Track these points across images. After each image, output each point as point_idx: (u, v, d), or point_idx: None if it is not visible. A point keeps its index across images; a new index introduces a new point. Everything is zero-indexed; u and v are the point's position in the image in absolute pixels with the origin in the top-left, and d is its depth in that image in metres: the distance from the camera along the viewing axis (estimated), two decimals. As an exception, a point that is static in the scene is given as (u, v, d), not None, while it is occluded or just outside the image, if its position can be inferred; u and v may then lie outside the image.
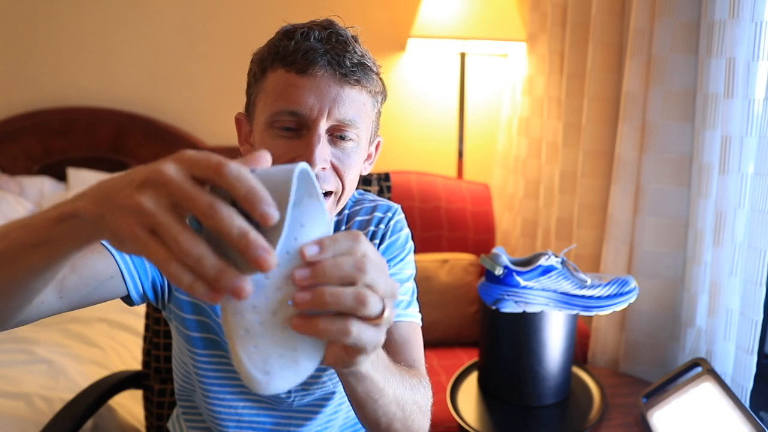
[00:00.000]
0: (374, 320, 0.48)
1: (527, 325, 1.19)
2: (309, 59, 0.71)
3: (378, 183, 1.17)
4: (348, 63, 0.72)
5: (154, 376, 1.21)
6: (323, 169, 0.73)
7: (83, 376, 1.45)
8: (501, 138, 2.39)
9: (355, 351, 0.50)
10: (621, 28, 1.55)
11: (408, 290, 0.90)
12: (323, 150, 0.72)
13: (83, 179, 2.43)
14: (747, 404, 1.12)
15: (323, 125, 0.73)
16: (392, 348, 0.85)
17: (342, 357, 0.50)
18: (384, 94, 0.82)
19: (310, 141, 0.72)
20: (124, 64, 2.51)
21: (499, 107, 2.49)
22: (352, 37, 0.75)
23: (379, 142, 0.87)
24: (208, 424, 0.93)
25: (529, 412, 1.22)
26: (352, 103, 0.74)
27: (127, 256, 0.74)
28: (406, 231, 0.93)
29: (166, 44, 2.50)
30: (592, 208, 1.63)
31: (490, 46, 2.23)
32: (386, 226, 0.90)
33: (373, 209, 0.91)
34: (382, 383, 0.63)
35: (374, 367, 0.60)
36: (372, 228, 0.90)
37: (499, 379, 1.25)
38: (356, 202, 0.93)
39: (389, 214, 0.91)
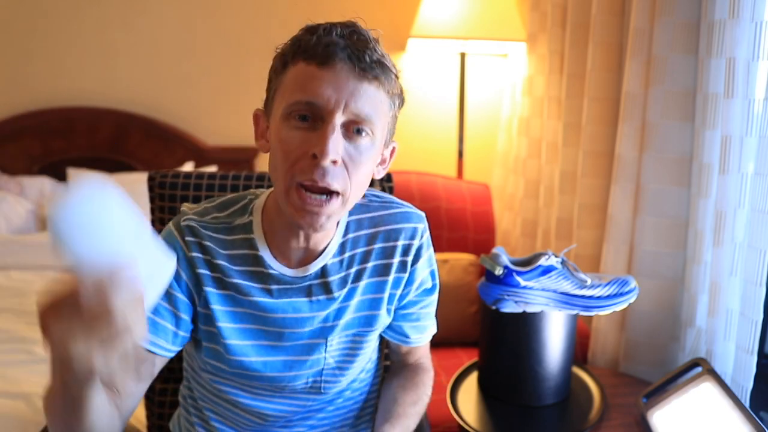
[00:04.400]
0: None
1: (527, 325, 1.19)
2: (329, 52, 0.72)
3: (380, 183, 1.17)
4: (368, 59, 0.72)
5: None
6: (334, 162, 0.72)
7: (83, 376, 1.45)
8: (501, 138, 2.39)
9: None
10: (621, 28, 1.55)
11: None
12: (337, 142, 0.72)
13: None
14: (747, 404, 1.12)
15: (339, 117, 0.72)
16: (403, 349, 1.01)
17: None
18: (401, 98, 0.81)
19: (324, 132, 0.72)
20: (124, 64, 2.51)
21: (499, 107, 2.49)
22: (374, 38, 0.76)
23: (394, 147, 0.85)
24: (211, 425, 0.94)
25: (529, 412, 1.22)
26: (369, 99, 0.73)
27: (160, 342, 0.82)
28: (431, 245, 0.96)
29: (166, 44, 2.50)
30: (592, 208, 1.63)
31: (490, 46, 2.23)
32: (420, 240, 0.90)
33: (407, 218, 0.90)
34: None
35: None
36: (406, 241, 0.89)
37: (499, 379, 1.25)
38: (382, 204, 0.91)
39: (421, 227, 0.91)
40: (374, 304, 0.89)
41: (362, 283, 0.87)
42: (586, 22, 1.67)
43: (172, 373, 1.19)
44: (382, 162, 0.84)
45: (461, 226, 1.98)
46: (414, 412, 0.94)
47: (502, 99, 2.45)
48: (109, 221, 0.53)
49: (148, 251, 0.59)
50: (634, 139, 1.42)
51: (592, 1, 1.62)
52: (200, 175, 1.17)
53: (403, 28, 2.46)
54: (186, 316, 0.83)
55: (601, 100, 1.58)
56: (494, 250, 1.19)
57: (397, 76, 0.78)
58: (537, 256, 1.19)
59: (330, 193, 0.74)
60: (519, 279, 1.16)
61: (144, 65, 2.52)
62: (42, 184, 2.43)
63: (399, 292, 0.90)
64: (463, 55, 2.29)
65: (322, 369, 0.88)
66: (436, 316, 1.04)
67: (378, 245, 0.87)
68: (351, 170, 0.74)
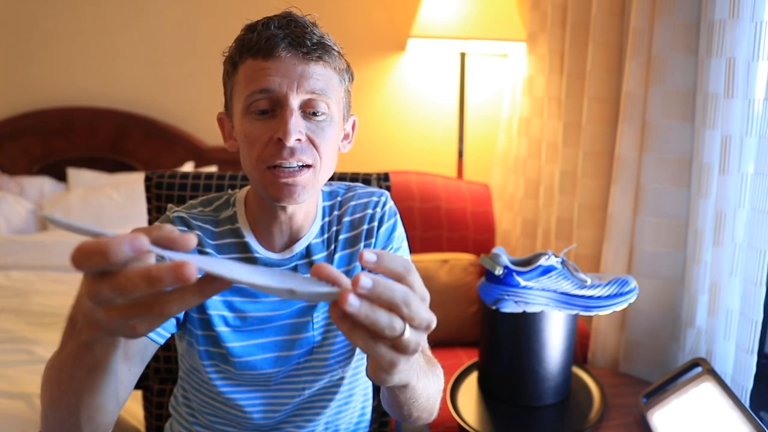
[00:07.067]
0: (400, 345, 0.52)
1: (527, 325, 1.19)
2: (272, 44, 0.77)
3: (377, 183, 1.17)
4: (308, 43, 0.77)
5: (153, 377, 1.21)
6: (299, 140, 0.77)
7: (83, 376, 1.45)
8: (501, 138, 2.39)
9: (385, 367, 0.54)
10: (621, 28, 1.55)
11: None
12: (297, 122, 0.76)
13: (83, 179, 2.43)
14: (747, 404, 1.12)
15: (294, 99, 0.77)
16: None
17: (378, 372, 0.55)
18: (350, 72, 0.85)
19: (284, 115, 0.76)
20: (124, 64, 2.51)
21: (499, 107, 2.49)
22: (311, 22, 0.80)
23: (354, 121, 0.90)
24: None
25: (529, 412, 1.22)
26: (319, 77, 0.78)
27: None
28: (398, 217, 0.98)
29: (166, 44, 2.50)
30: (592, 208, 1.63)
31: (490, 46, 2.23)
32: (382, 209, 0.94)
33: (370, 194, 0.95)
34: (420, 389, 0.72)
35: (417, 376, 0.66)
36: (370, 211, 0.93)
37: (499, 379, 1.25)
38: (348, 189, 0.97)
39: (383, 199, 0.96)
40: (348, 276, 0.92)
41: (336, 257, 0.91)
42: (586, 22, 1.67)
43: (170, 373, 1.19)
44: (346, 137, 0.89)
45: (461, 226, 1.98)
46: (432, 372, 0.85)
47: (502, 99, 2.45)
48: None
49: None
50: (634, 139, 1.42)
51: (592, 1, 1.62)
52: (197, 175, 1.17)
53: (403, 28, 2.46)
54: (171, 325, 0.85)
55: (601, 100, 1.58)
56: (494, 250, 1.19)
57: (340, 53, 0.82)
58: (537, 256, 1.19)
59: (301, 166, 0.78)
60: (519, 279, 1.16)
61: (144, 65, 2.52)
62: (42, 184, 2.43)
63: None
64: (463, 55, 2.29)
65: (312, 347, 0.90)
66: (437, 316, 1.04)
67: (346, 219, 0.93)
68: (317, 145, 0.79)
